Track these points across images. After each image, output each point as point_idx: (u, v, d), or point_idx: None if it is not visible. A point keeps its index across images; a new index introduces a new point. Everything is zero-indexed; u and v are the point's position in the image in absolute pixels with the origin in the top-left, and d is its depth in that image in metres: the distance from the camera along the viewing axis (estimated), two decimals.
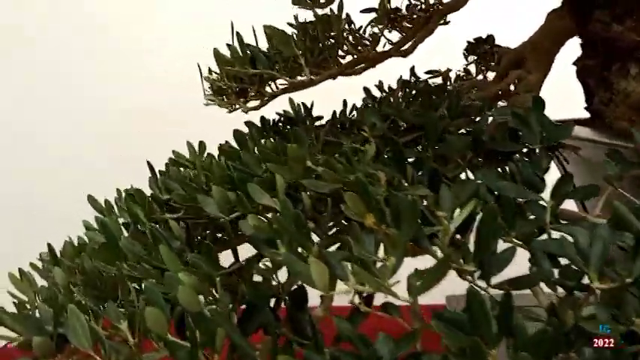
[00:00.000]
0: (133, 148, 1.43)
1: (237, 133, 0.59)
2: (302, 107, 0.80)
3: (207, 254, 0.45)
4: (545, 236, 0.48)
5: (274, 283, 0.50)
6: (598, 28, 0.74)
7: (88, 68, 1.42)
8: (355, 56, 0.74)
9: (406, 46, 0.79)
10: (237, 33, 0.67)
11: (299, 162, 0.46)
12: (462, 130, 0.62)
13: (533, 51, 0.78)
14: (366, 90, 0.92)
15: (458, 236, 0.43)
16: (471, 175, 0.56)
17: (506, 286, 0.45)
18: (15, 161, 1.42)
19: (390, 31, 0.85)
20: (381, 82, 0.96)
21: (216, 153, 0.78)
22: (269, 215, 0.53)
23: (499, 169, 0.56)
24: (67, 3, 1.40)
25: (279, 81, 0.73)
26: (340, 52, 0.77)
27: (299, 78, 0.68)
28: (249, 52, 0.68)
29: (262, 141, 0.56)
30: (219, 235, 0.60)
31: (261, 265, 0.50)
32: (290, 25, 0.76)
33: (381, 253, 0.44)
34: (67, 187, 1.38)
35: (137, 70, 1.41)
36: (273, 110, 0.79)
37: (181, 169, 0.71)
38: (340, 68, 0.73)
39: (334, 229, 0.52)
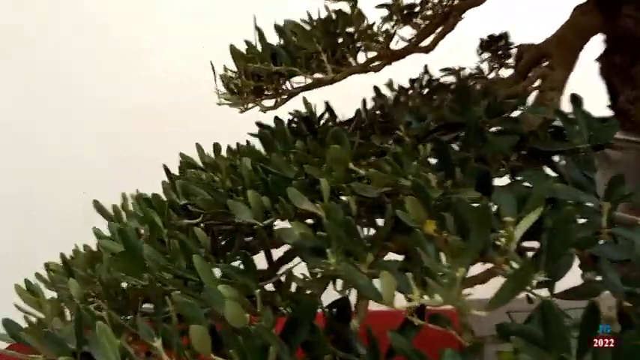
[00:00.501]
0: (132, 148, 1.40)
1: (262, 134, 0.56)
2: (314, 107, 0.77)
3: (245, 265, 0.42)
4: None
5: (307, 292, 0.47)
6: (629, 24, 0.71)
7: (88, 68, 1.38)
8: (376, 53, 0.71)
9: (427, 42, 0.76)
10: (258, 28, 0.64)
11: (341, 164, 0.43)
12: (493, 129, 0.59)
13: (558, 47, 0.76)
14: (376, 89, 0.89)
15: None
16: None
17: (565, 295, 0.42)
18: (15, 161, 1.37)
19: (400, 28, 0.82)
20: (391, 81, 0.93)
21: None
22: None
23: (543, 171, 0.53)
24: (67, 3, 1.36)
25: (296, 79, 0.69)
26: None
27: (320, 75, 0.65)
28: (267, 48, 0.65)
29: (295, 142, 0.52)
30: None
31: (298, 274, 0.47)
32: (304, 21, 0.73)
33: None
34: (67, 187, 1.34)
35: (137, 70, 1.37)
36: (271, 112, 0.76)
37: (192, 170, 0.67)
38: (361, 65, 0.69)
39: None
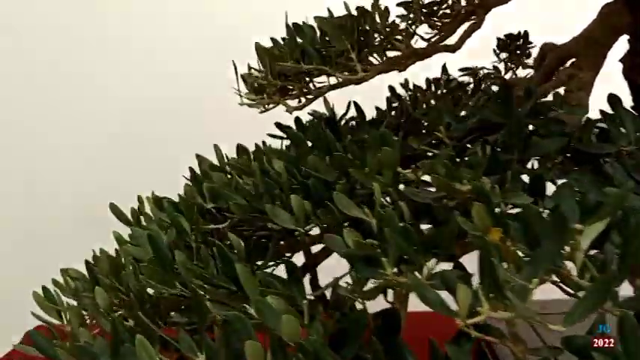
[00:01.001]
0: (135, 149, 1.37)
1: (294, 135, 0.53)
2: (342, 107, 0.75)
3: (290, 274, 0.40)
4: None
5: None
6: None
7: (88, 69, 1.35)
8: (401, 52, 0.69)
9: (454, 41, 0.74)
10: (288, 25, 0.61)
11: (391, 167, 0.41)
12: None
13: (586, 47, 0.74)
14: (391, 88, 0.87)
15: None
16: None
17: (625, 304, 0.40)
18: (15, 161, 1.35)
19: (417, 27, 0.80)
20: (406, 80, 0.91)
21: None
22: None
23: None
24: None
25: (319, 78, 0.67)
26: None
27: (349, 74, 0.63)
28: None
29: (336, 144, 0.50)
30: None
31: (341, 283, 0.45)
32: (323, 19, 0.71)
33: None
34: (66, 188, 1.32)
35: (138, 71, 1.35)
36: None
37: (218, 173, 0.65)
38: (388, 64, 0.67)
39: None
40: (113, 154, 1.38)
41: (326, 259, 0.55)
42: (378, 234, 0.37)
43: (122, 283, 0.51)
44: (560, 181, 0.50)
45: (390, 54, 0.71)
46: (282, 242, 0.52)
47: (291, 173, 0.48)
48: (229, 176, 0.61)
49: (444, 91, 0.90)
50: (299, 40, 0.63)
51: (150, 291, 0.52)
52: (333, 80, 0.67)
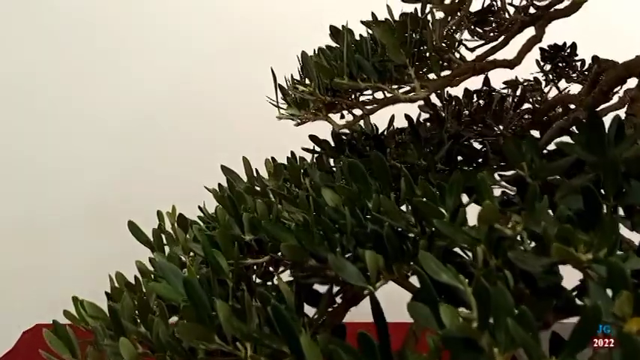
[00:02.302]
0: (142, 151, 1.31)
1: (353, 165, 0.46)
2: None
3: (365, 348, 0.33)
4: None
5: None
6: None
7: (90, 72, 1.30)
8: (459, 66, 0.62)
9: (513, 56, 0.67)
10: (337, 32, 0.54)
11: (488, 222, 0.34)
12: None
13: None
14: (427, 99, 0.81)
15: None
16: None
17: None
18: (16, 163, 1.29)
19: (458, 32, 0.73)
20: (445, 92, 0.85)
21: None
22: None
23: None
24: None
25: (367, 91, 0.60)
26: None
27: (407, 92, 0.56)
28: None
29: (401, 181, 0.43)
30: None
31: None
32: (364, 23, 0.64)
33: None
34: (68, 193, 1.27)
35: (142, 72, 1.29)
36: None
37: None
38: (445, 79, 0.60)
39: None
40: (120, 155, 1.32)
41: None
42: (480, 312, 0.30)
43: (150, 329, 0.44)
44: None
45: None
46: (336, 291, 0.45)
47: (355, 214, 0.41)
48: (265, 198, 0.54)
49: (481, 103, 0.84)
50: (348, 51, 0.56)
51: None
52: (379, 95, 0.60)
